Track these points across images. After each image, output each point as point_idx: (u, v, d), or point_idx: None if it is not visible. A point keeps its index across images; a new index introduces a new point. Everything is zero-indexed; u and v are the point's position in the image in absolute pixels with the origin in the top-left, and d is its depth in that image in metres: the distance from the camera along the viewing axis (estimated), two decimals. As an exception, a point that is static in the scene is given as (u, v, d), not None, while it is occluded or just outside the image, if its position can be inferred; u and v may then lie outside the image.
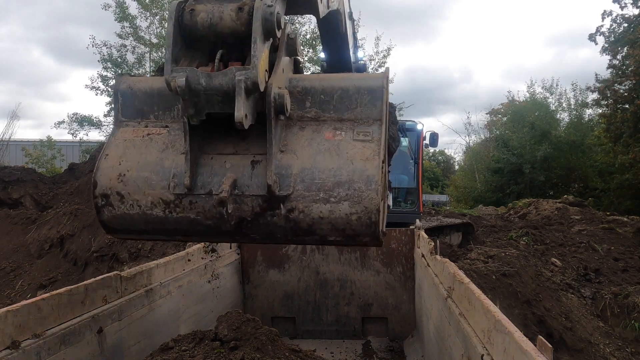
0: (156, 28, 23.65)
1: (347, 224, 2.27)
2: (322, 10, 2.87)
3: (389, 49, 24.56)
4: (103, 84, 23.70)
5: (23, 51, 73.79)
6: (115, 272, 3.91)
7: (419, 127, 9.89)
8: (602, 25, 19.57)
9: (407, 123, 9.92)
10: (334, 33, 4.00)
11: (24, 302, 2.92)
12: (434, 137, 10.33)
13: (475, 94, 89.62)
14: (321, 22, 3.44)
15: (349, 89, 2.39)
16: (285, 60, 2.40)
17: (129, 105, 2.55)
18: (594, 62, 58.73)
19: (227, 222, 2.35)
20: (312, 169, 2.29)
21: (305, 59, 22.11)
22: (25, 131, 78.64)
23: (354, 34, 8.16)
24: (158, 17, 23.30)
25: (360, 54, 7.03)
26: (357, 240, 2.37)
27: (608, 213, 15.41)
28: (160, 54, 23.67)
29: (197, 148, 2.33)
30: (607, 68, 19.99)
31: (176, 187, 2.34)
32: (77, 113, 23.53)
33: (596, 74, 21.48)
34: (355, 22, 8.04)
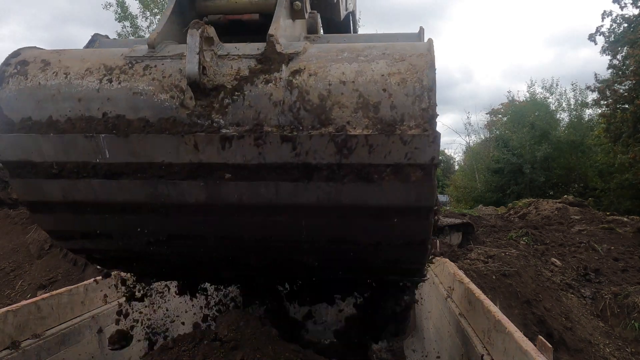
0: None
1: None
2: (343, 13, 2.82)
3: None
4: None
5: (25, 51, 73.91)
6: (115, 272, 3.91)
7: None
8: (602, 25, 19.59)
9: None
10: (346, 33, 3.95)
11: (24, 302, 2.92)
12: None
13: (476, 94, 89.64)
14: (336, 25, 3.22)
15: None
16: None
17: None
18: (594, 62, 58.76)
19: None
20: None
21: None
22: (26, 131, 78.74)
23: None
24: (158, 16, 23.30)
25: None
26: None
27: (608, 213, 15.40)
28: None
29: None
30: (607, 68, 20.00)
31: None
32: None
33: (596, 74, 21.51)
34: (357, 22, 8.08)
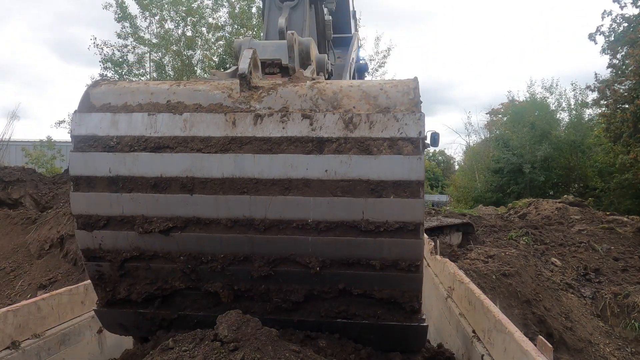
0: (155, 28, 23.66)
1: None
2: (354, 27, 3.48)
3: (389, 49, 24.60)
4: (103, 84, 23.67)
5: (27, 51, 73.94)
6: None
7: None
8: (602, 25, 19.59)
9: None
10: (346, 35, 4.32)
11: (24, 302, 2.92)
12: (435, 137, 10.30)
13: (477, 94, 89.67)
14: (340, 26, 3.86)
15: None
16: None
17: None
18: (595, 62, 58.72)
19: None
20: None
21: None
22: (27, 131, 78.69)
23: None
24: (157, 17, 23.31)
25: (361, 53, 7.17)
26: None
27: (608, 213, 15.40)
28: (160, 54, 23.69)
29: None
30: (607, 68, 20.00)
31: None
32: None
33: (596, 74, 21.49)
34: (357, 22, 8.18)
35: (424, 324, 2.38)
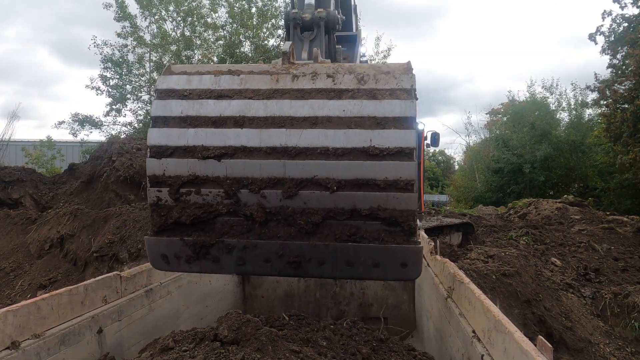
0: (155, 28, 23.66)
1: None
2: (355, 23, 3.95)
3: (389, 49, 24.61)
4: (103, 84, 23.71)
5: (29, 52, 73.92)
6: (115, 272, 3.92)
7: (419, 127, 9.84)
8: (602, 25, 19.58)
9: None
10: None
11: (24, 302, 2.92)
12: (435, 137, 10.33)
13: (478, 94, 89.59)
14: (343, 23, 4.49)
15: None
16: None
17: None
18: (595, 62, 58.63)
19: None
20: None
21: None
22: (28, 131, 78.66)
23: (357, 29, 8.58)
24: (157, 16, 23.31)
25: (362, 49, 7.28)
26: None
27: (608, 213, 15.40)
28: (159, 53, 23.68)
29: None
30: (607, 68, 19.99)
31: None
32: (78, 113, 23.54)
33: (596, 74, 21.48)
34: (358, 17, 8.29)
35: (420, 246, 2.86)
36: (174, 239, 3.01)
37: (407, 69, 3.00)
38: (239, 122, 2.91)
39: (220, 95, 2.99)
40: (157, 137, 2.98)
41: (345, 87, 2.92)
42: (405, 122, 2.80)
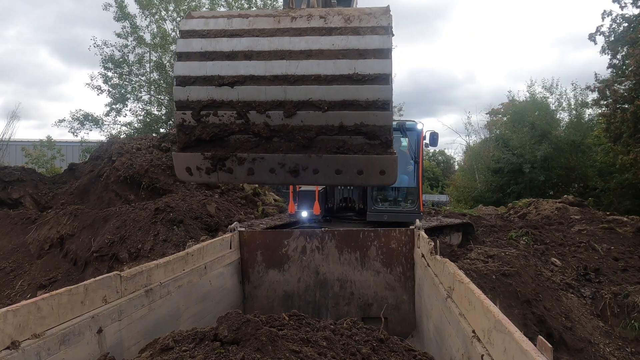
0: (155, 28, 23.64)
1: None
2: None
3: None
4: (104, 83, 23.71)
5: (30, 52, 73.84)
6: (115, 272, 3.91)
7: (419, 126, 9.84)
8: (602, 25, 19.57)
9: (407, 123, 9.87)
10: None
11: (24, 302, 2.92)
12: (434, 137, 10.31)
13: (479, 94, 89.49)
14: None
15: None
16: None
17: None
18: (596, 62, 58.52)
19: None
20: None
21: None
22: (29, 131, 78.55)
23: None
24: (157, 16, 23.31)
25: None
26: None
27: (608, 213, 15.41)
28: (159, 53, 23.67)
29: None
30: (607, 68, 19.98)
31: None
32: (80, 109, 23.56)
33: (596, 74, 21.45)
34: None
35: (395, 156, 3.35)
36: (196, 154, 3.57)
37: (385, 10, 3.53)
38: (248, 55, 3.45)
39: (232, 34, 3.53)
40: (181, 69, 3.53)
41: (334, 26, 3.44)
42: (383, 53, 3.29)
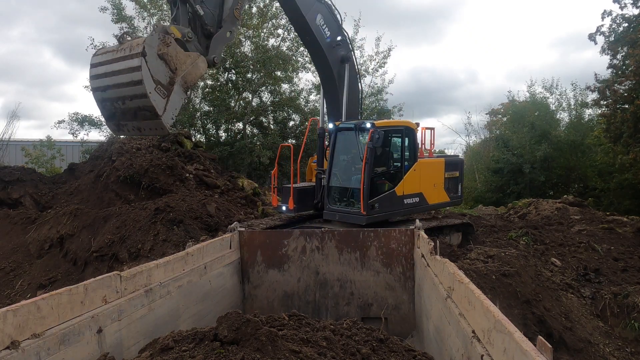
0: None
1: None
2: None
3: (389, 50, 24.59)
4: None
5: (33, 52, 73.83)
6: (115, 272, 3.91)
7: (367, 125, 8.92)
8: (602, 25, 19.55)
9: (365, 122, 9.08)
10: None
11: (24, 302, 2.92)
12: (376, 135, 9.03)
13: (480, 95, 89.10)
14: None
15: None
16: None
17: None
18: (596, 63, 58.36)
19: None
20: None
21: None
22: (31, 131, 78.57)
23: (333, 13, 9.36)
24: (156, 17, 23.28)
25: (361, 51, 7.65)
26: None
27: (608, 213, 15.41)
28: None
29: None
30: (607, 68, 19.96)
31: None
32: (77, 113, 23.53)
33: (596, 74, 21.42)
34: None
35: None
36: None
37: None
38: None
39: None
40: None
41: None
42: None
